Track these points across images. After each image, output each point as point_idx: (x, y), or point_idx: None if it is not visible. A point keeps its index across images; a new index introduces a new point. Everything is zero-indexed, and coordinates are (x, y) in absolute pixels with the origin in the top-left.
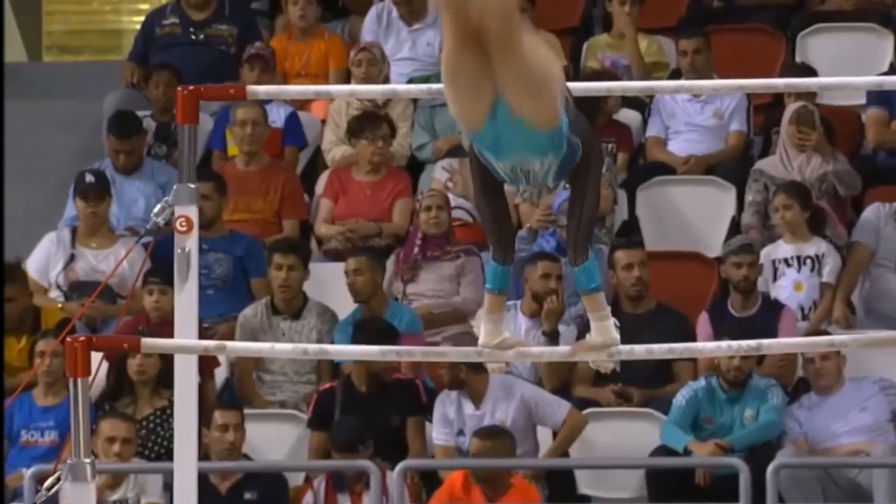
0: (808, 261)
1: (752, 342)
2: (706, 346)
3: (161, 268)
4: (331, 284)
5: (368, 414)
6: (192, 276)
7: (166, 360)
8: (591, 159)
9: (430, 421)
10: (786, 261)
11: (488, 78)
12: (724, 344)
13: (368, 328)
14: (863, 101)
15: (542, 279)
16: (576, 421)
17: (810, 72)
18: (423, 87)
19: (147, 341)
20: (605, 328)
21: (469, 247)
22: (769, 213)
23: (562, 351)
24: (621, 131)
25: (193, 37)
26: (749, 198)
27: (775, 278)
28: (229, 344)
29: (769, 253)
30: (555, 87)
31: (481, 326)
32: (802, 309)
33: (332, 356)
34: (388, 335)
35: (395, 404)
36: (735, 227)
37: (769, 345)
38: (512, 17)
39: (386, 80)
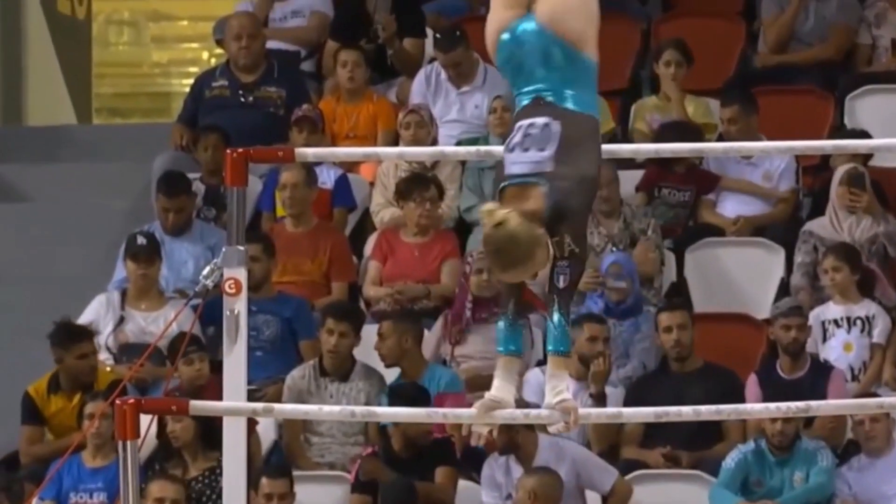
0: (858, 322)
1: (801, 404)
2: (754, 408)
3: (194, 337)
4: None
5: (407, 476)
6: (240, 338)
7: (204, 425)
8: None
9: (463, 472)
10: (835, 321)
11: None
12: (772, 405)
13: (400, 393)
14: None
15: (588, 342)
16: (624, 491)
17: (860, 134)
18: (472, 149)
19: (196, 404)
20: (554, 390)
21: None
22: (818, 275)
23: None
24: (703, 180)
25: (242, 99)
26: (798, 259)
27: (825, 339)
28: (277, 406)
29: (818, 314)
30: (594, 22)
31: (494, 383)
32: (852, 370)
33: (380, 418)
34: (417, 399)
35: (432, 464)
36: (784, 289)
37: (818, 406)
38: None
39: (434, 143)
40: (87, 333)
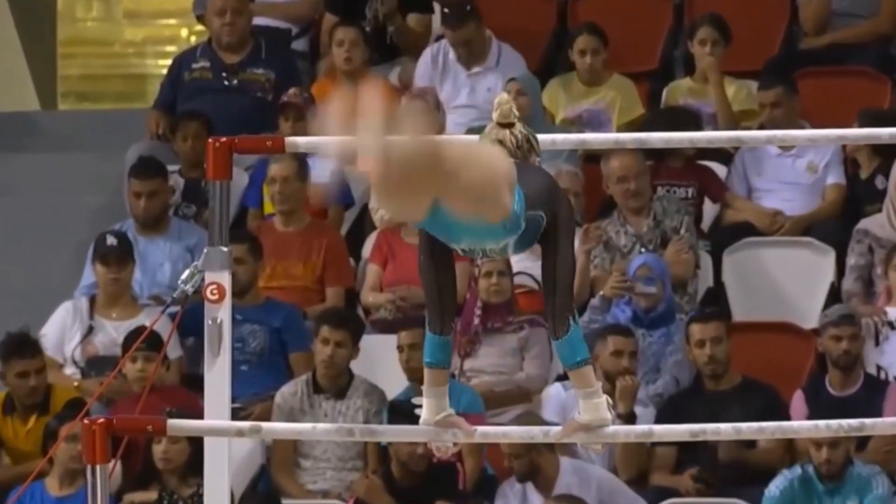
0: None
1: (854, 422)
2: (801, 426)
3: (153, 336)
4: (379, 359)
5: None
6: (224, 351)
7: (195, 446)
8: (559, 225)
9: None
10: (890, 324)
11: (424, 194)
12: (821, 423)
13: (402, 410)
14: None
15: (613, 356)
16: None
17: None
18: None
19: (174, 423)
20: (594, 406)
21: (534, 317)
22: (873, 279)
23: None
24: (704, 176)
25: (226, 82)
26: (851, 261)
27: (878, 342)
28: (265, 425)
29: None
30: (500, 190)
31: (423, 402)
32: None
33: (381, 437)
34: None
35: (432, 493)
36: (834, 295)
37: (873, 425)
38: (438, 156)
39: (441, 131)
40: (32, 348)
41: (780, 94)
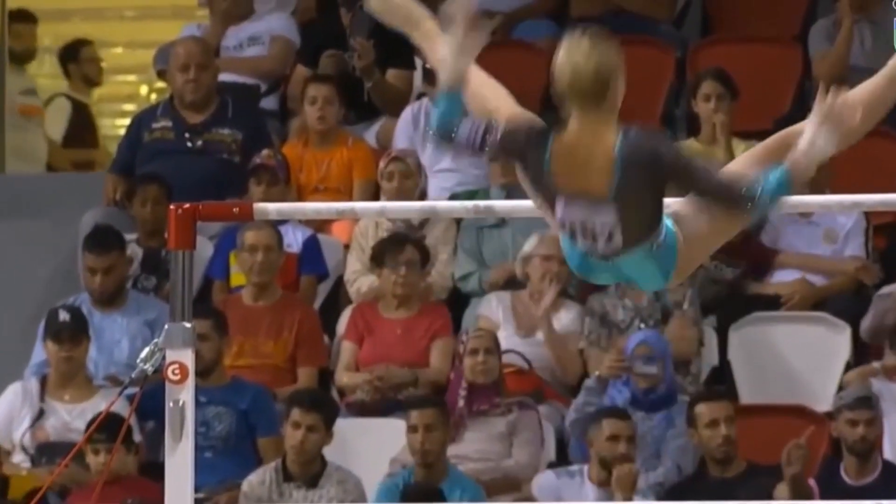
0: None
1: None
2: None
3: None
4: (354, 445)
5: None
6: (186, 435)
7: None
8: (677, 176)
9: None
10: None
11: None
12: None
13: (418, 496)
14: None
15: (609, 442)
16: None
17: None
18: (469, 204)
19: None
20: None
21: (524, 399)
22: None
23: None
24: (760, 253)
25: (189, 143)
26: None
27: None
28: None
29: (881, 386)
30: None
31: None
32: None
33: None
34: None
35: None
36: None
37: None
38: None
39: (423, 196)
40: None
41: None
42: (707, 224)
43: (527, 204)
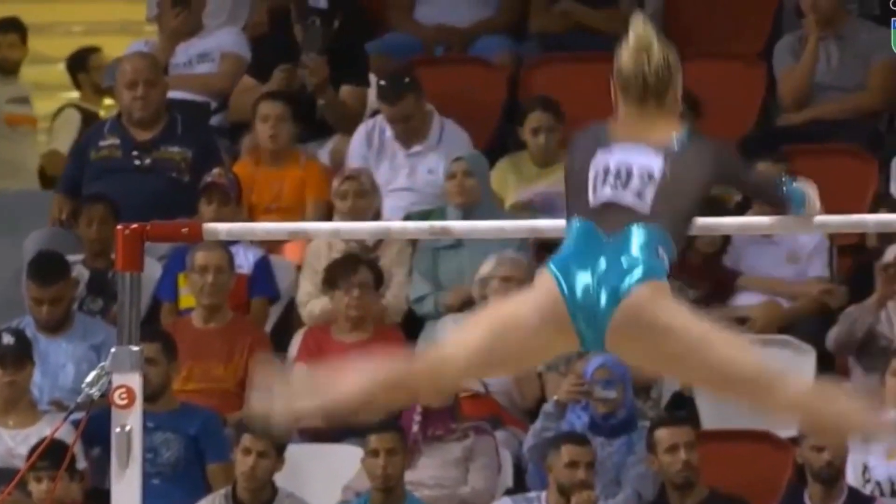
0: None
1: None
2: None
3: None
4: (306, 472)
5: None
6: (133, 462)
7: None
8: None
9: None
10: None
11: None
12: None
13: None
14: None
15: (568, 468)
16: None
17: None
18: (424, 225)
19: None
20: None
21: (480, 423)
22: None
23: None
24: (723, 276)
25: (137, 161)
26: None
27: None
28: None
29: None
30: None
31: None
32: (892, 483)
33: None
34: None
35: None
36: None
37: None
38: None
39: (377, 216)
40: None
41: (783, 168)
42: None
43: (483, 225)
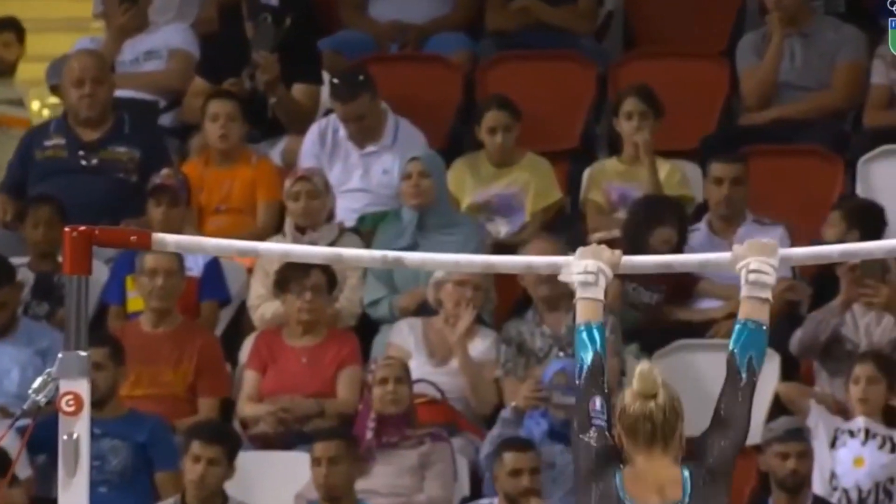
0: (879, 438)
1: None
2: None
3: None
4: (257, 480)
5: None
6: (80, 470)
7: None
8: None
9: None
10: (850, 431)
11: None
12: None
13: None
14: None
15: (511, 477)
16: None
17: (875, 211)
18: (377, 254)
19: None
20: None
21: (436, 430)
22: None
23: None
24: (681, 278)
25: (84, 162)
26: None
27: (833, 445)
28: None
29: (829, 420)
30: None
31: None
32: (860, 490)
33: None
34: None
35: None
36: (779, 405)
37: None
38: None
39: (330, 217)
40: None
41: (742, 170)
42: None
43: (439, 258)
